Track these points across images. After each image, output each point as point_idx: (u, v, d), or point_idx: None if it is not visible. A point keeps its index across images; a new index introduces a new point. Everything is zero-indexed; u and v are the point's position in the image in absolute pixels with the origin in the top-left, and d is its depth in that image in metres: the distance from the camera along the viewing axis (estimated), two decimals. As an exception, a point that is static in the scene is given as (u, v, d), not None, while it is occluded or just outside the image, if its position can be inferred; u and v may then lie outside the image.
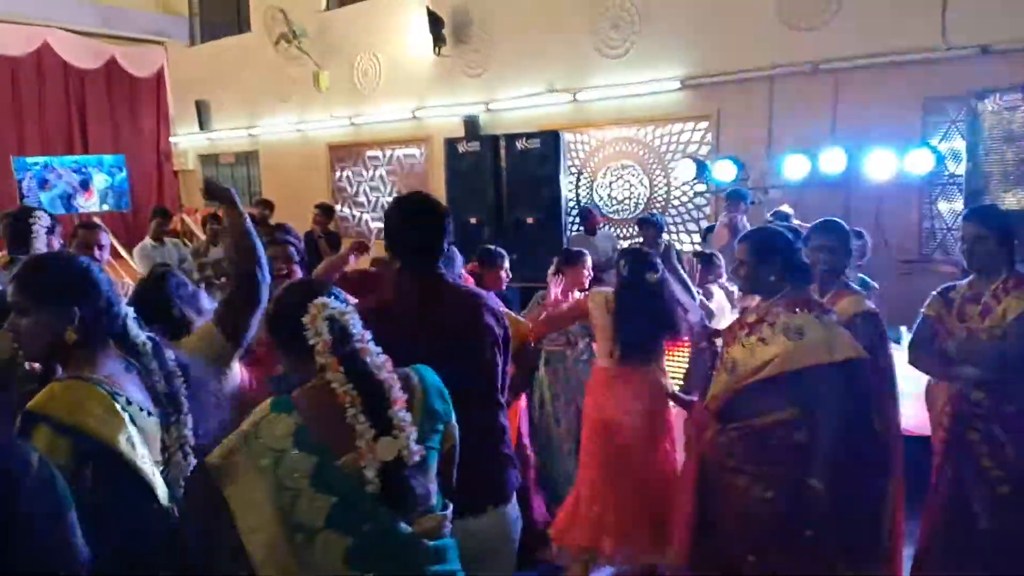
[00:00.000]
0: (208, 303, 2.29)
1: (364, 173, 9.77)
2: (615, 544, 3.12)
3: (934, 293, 2.84)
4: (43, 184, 9.34)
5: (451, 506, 1.64)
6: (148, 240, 6.20)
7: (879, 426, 2.45)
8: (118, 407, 1.51)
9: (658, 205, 7.40)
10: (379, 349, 1.55)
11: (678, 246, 6.79)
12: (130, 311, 1.67)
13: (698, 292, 3.83)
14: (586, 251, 3.95)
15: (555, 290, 3.52)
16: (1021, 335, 2.49)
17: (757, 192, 6.09)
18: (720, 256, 4.54)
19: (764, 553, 2.30)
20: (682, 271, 3.62)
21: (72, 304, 1.59)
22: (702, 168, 6.31)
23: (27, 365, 1.92)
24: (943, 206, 5.93)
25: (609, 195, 7.73)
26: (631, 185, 7.58)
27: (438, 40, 8.18)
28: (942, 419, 2.72)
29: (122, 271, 7.38)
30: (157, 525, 1.55)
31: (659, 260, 3.27)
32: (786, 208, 5.33)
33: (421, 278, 2.11)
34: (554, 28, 7.68)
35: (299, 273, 2.90)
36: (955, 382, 2.67)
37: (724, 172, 6.09)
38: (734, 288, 4.14)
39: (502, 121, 8.11)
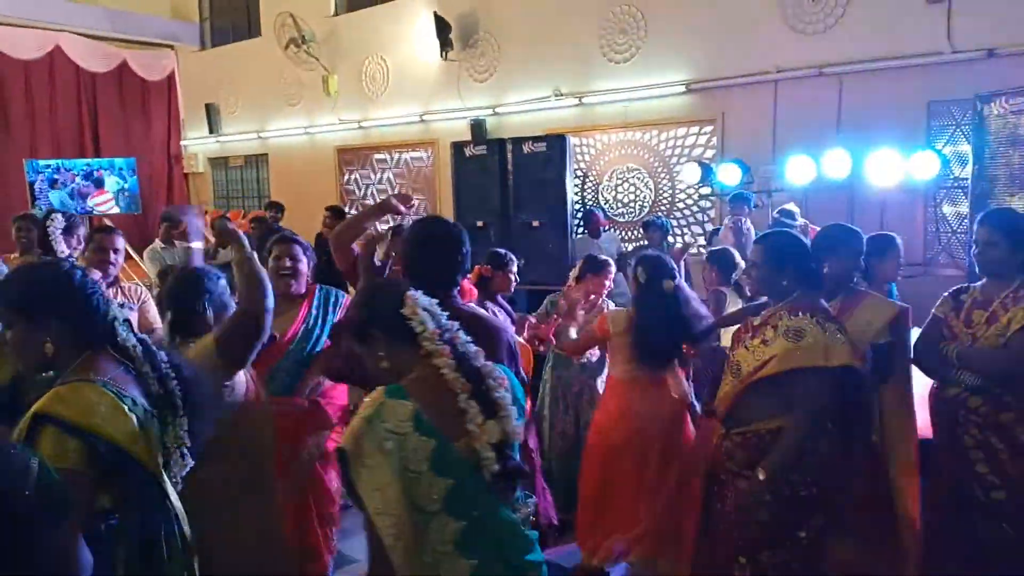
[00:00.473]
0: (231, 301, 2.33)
1: (372, 176, 9.83)
2: (642, 551, 3.08)
3: (945, 294, 2.79)
4: (53, 184, 9.44)
5: (532, 497, 1.69)
6: (158, 242, 6.28)
7: (876, 435, 2.48)
8: (125, 407, 1.52)
9: (663, 208, 7.42)
10: (470, 338, 1.63)
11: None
12: (120, 315, 1.66)
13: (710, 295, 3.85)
14: (610, 261, 3.90)
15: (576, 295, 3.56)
16: (1022, 347, 2.45)
17: (762, 195, 6.09)
18: (734, 251, 4.45)
19: (755, 555, 2.33)
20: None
21: (47, 316, 1.57)
22: (707, 171, 6.31)
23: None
24: (948, 210, 5.92)
25: (615, 198, 7.75)
26: (636, 188, 7.61)
27: (445, 45, 8.23)
28: (940, 423, 2.71)
29: (132, 273, 7.45)
30: (168, 526, 1.58)
31: (675, 265, 3.27)
32: (792, 206, 5.33)
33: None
34: (560, 33, 7.72)
35: (305, 273, 2.92)
36: (953, 387, 2.65)
37: (729, 175, 6.08)
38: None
39: (509, 125, 8.15)
